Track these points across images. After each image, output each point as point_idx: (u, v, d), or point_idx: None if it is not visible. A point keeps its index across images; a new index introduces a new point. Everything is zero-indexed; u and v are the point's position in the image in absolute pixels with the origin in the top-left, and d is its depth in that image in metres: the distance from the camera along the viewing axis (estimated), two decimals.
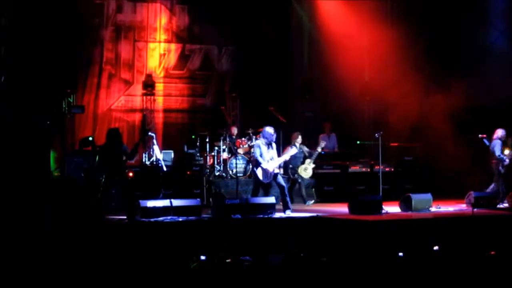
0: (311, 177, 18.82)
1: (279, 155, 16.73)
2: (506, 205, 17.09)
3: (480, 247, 12.97)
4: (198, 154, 20.28)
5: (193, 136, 20.97)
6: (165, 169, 17.13)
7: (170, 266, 11.27)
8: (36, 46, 19.29)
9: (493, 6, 21.84)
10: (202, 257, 11.33)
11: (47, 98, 19.39)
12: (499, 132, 17.84)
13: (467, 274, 10.54)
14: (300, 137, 18.41)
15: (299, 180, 18.47)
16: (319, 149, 18.45)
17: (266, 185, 16.43)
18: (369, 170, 19.73)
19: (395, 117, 21.25)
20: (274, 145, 16.37)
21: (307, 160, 18.38)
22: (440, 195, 17.91)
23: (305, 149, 18.65)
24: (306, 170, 18.38)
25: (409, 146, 20.92)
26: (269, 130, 16.25)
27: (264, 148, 16.14)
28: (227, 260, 11.35)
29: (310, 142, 21.12)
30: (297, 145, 18.17)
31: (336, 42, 22.39)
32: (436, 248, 12.04)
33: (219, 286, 10.16)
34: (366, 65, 22.51)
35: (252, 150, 19.29)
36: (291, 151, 16.59)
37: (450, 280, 10.15)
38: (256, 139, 19.56)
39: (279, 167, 16.45)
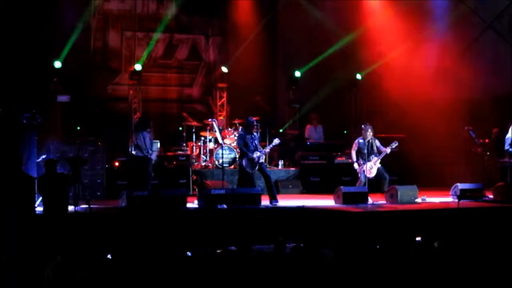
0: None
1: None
2: (491, 197, 17.11)
3: (466, 239, 13.03)
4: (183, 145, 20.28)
5: (180, 128, 20.97)
6: (154, 158, 17.06)
7: (156, 255, 11.27)
8: (22, 34, 19.23)
9: None
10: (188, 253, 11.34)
11: (33, 86, 19.34)
12: None
13: (454, 266, 10.58)
14: (368, 130, 16.65)
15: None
16: (388, 150, 16.56)
17: (251, 175, 16.42)
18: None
19: (382, 108, 21.31)
20: (256, 134, 16.40)
21: (374, 158, 16.57)
22: (426, 187, 17.94)
23: (377, 143, 16.73)
24: (371, 168, 16.52)
25: (395, 137, 20.92)
26: (250, 120, 16.32)
27: (247, 138, 16.18)
28: (217, 251, 11.37)
29: (297, 133, 21.25)
30: (367, 139, 16.58)
31: (324, 33, 22.41)
32: (418, 239, 12.06)
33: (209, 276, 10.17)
34: (355, 58, 22.44)
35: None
36: (274, 141, 16.54)
37: (434, 272, 10.18)
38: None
39: (263, 156, 16.43)
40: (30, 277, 10.15)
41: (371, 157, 16.54)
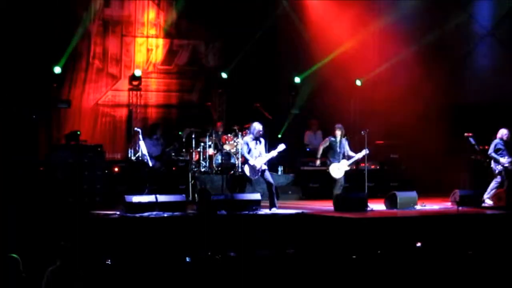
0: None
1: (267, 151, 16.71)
2: (491, 203, 17.10)
3: (465, 245, 13.04)
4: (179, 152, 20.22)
5: (180, 133, 20.95)
6: (150, 164, 17.08)
7: (156, 261, 11.27)
8: (22, 39, 19.23)
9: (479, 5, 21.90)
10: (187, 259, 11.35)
11: (33, 92, 19.34)
12: (500, 132, 17.61)
13: (451, 271, 10.58)
14: (338, 129, 17.03)
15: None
16: (360, 155, 16.88)
17: (246, 182, 16.42)
18: (354, 167, 19.62)
19: (382, 115, 21.30)
20: (262, 141, 16.35)
21: (344, 161, 16.90)
22: (426, 193, 17.94)
23: (347, 146, 17.07)
24: (339, 170, 16.84)
25: (395, 144, 20.95)
26: (257, 126, 16.27)
27: (252, 144, 16.14)
28: (216, 257, 11.38)
29: (296, 139, 21.23)
30: (338, 138, 16.97)
31: (324, 40, 22.41)
32: (418, 244, 12.08)
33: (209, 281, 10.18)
34: (354, 64, 22.43)
35: (238, 146, 19.34)
36: (279, 147, 16.50)
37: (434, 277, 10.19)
38: (242, 135, 19.56)
39: (267, 163, 16.39)
40: (30, 281, 10.12)
41: (340, 158, 16.83)
